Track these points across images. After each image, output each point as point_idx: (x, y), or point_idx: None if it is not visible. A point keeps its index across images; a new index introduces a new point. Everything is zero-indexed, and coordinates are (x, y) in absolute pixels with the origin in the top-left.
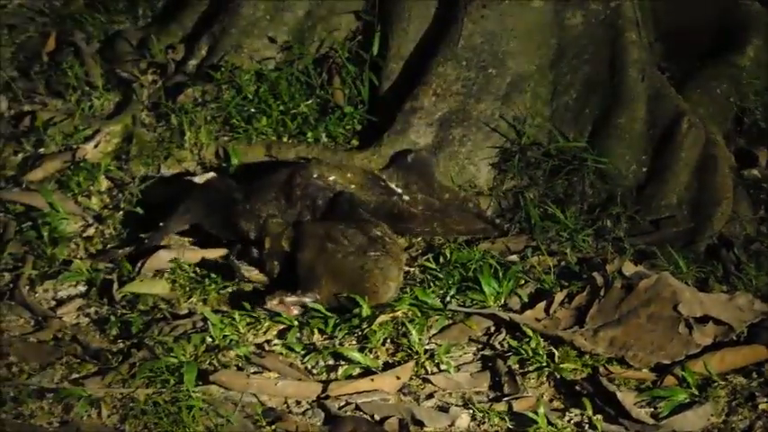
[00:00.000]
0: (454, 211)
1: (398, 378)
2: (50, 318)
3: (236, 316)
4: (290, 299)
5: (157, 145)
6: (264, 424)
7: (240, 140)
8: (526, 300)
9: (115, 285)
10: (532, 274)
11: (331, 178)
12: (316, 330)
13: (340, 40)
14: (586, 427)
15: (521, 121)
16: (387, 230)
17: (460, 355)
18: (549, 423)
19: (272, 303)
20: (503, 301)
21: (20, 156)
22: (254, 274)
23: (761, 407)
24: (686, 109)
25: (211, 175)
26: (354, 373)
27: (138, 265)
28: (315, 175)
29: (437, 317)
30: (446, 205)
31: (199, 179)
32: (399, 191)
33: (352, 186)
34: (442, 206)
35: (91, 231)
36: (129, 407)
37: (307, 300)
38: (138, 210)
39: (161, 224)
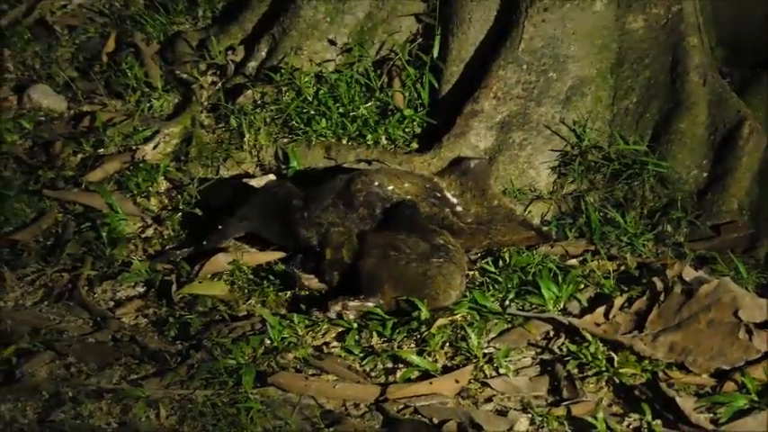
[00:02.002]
0: (500, 222)
1: (457, 382)
2: (109, 318)
3: (295, 318)
4: (353, 303)
5: (216, 146)
6: (323, 426)
7: (299, 142)
8: (585, 304)
9: (174, 287)
10: (592, 279)
11: (390, 187)
12: (374, 333)
13: (400, 43)
14: (645, 431)
15: (581, 124)
16: (449, 238)
17: (519, 359)
18: (608, 428)
19: (336, 308)
20: (562, 305)
21: (79, 156)
22: (313, 282)
23: None
24: (748, 114)
25: (270, 177)
26: (413, 377)
27: (197, 267)
28: (374, 183)
29: (496, 321)
30: (492, 216)
31: (257, 182)
32: (455, 201)
33: (408, 196)
34: (489, 217)
35: (149, 232)
36: (187, 408)
37: (369, 304)
38: (197, 211)
39: (219, 227)
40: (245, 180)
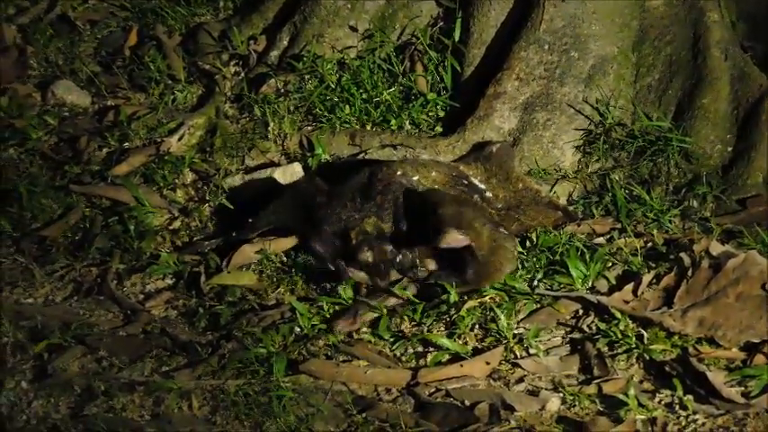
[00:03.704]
0: (527, 205)
1: (488, 363)
2: (139, 311)
3: (324, 305)
4: (460, 236)
5: (241, 136)
6: (355, 412)
7: (324, 130)
8: (614, 282)
9: (203, 278)
10: (619, 257)
11: (414, 178)
12: (404, 318)
13: (421, 27)
14: (677, 407)
15: (604, 103)
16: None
17: (549, 339)
18: (640, 404)
19: (448, 238)
20: (590, 283)
21: (104, 150)
22: (359, 275)
23: None
24: None
25: (295, 165)
26: (443, 360)
27: (225, 260)
28: (398, 173)
29: (525, 301)
30: (519, 200)
31: (282, 171)
32: (483, 187)
33: (436, 185)
34: (516, 201)
35: (177, 224)
36: (219, 398)
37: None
38: (225, 202)
39: (249, 220)
40: (269, 170)
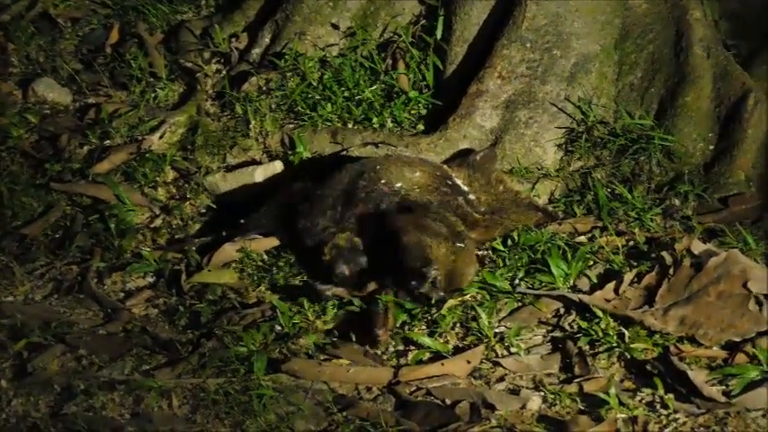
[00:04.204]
0: (509, 208)
1: (469, 362)
2: (119, 310)
3: (305, 303)
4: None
5: (222, 134)
6: (336, 411)
7: (305, 128)
8: (595, 281)
9: (183, 276)
10: (601, 255)
11: (398, 185)
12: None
13: (403, 25)
14: (658, 406)
15: (586, 101)
16: (461, 224)
17: (530, 338)
18: (621, 403)
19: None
20: (572, 282)
21: (85, 148)
22: (336, 290)
23: None
24: (753, 86)
25: (276, 164)
26: (425, 358)
27: (206, 258)
28: (382, 181)
29: (506, 300)
30: (502, 203)
31: (263, 169)
32: (466, 189)
33: (417, 189)
34: (499, 204)
35: (158, 222)
36: (199, 397)
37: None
38: (207, 200)
39: (241, 221)
40: (251, 168)
